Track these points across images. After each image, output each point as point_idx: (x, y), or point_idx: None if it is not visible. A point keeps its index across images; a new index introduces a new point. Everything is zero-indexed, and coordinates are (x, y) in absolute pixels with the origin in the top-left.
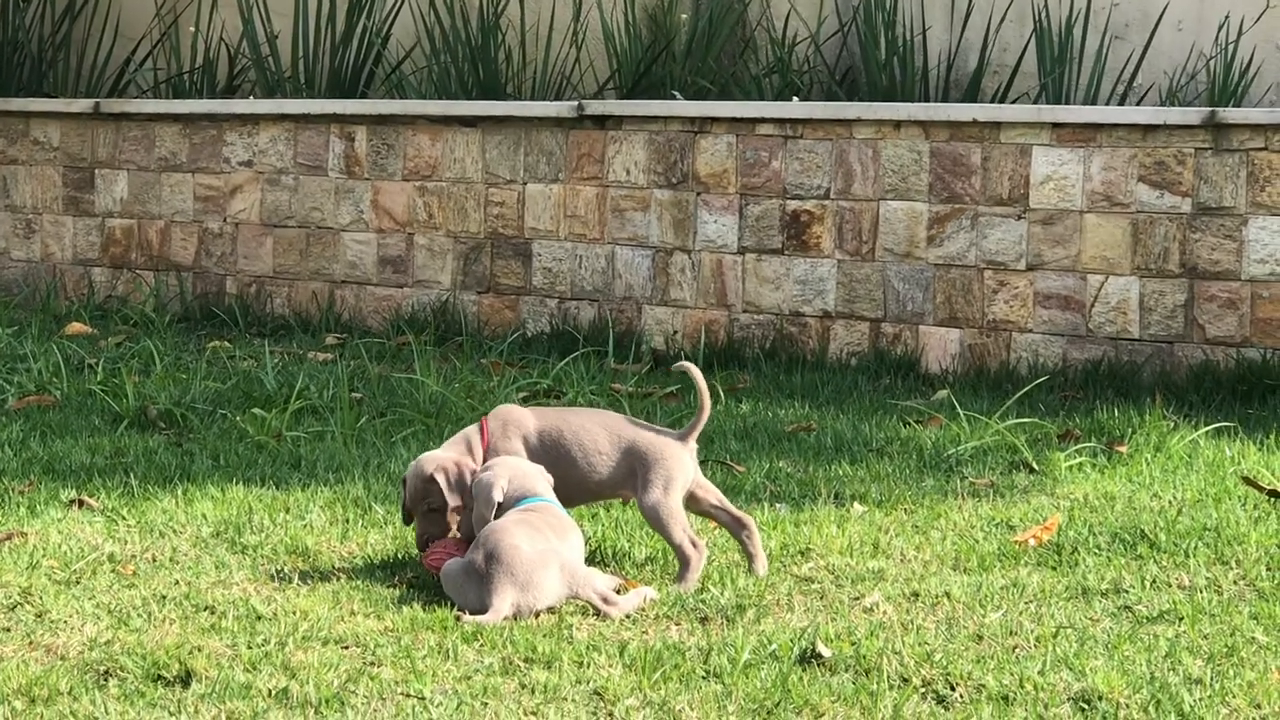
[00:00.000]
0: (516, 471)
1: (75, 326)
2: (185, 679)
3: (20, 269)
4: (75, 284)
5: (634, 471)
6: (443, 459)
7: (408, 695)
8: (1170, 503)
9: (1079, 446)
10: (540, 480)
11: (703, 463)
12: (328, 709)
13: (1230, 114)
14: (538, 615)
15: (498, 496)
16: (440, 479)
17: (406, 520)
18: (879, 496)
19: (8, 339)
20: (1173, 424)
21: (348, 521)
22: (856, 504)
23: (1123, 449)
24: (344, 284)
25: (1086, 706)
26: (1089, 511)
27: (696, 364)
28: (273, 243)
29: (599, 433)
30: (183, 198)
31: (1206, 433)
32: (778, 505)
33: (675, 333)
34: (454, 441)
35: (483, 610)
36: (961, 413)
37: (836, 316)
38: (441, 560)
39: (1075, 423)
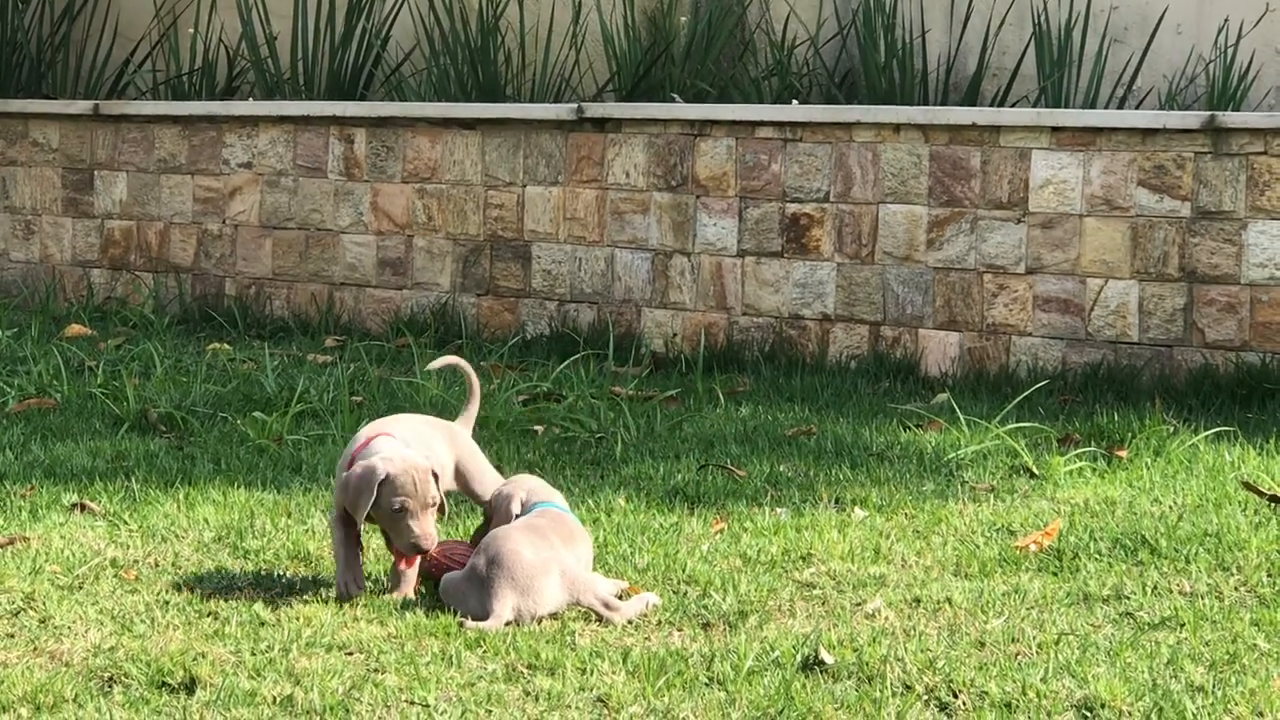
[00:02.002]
0: (534, 486)
1: (75, 328)
2: (190, 686)
3: (19, 270)
4: (74, 285)
5: None
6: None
7: (412, 703)
8: (1171, 508)
9: (1079, 451)
10: (557, 491)
11: (703, 467)
12: (332, 717)
13: (1229, 118)
14: (540, 621)
15: (515, 509)
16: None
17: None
18: (880, 501)
19: (7, 341)
20: (1172, 428)
21: None
22: (857, 509)
23: (1122, 453)
24: (343, 286)
25: (1089, 714)
26: (1089, 517)
27: (696, 367)
28: (272, 244)
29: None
30: (182, 199)
31: (1206, 437)
32: (778, 510)
33: (675, 335)
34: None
35: (484, 616)
36: (961, 417)
37: (836, 319)
38: (444, 564)
39: (1075, 427)
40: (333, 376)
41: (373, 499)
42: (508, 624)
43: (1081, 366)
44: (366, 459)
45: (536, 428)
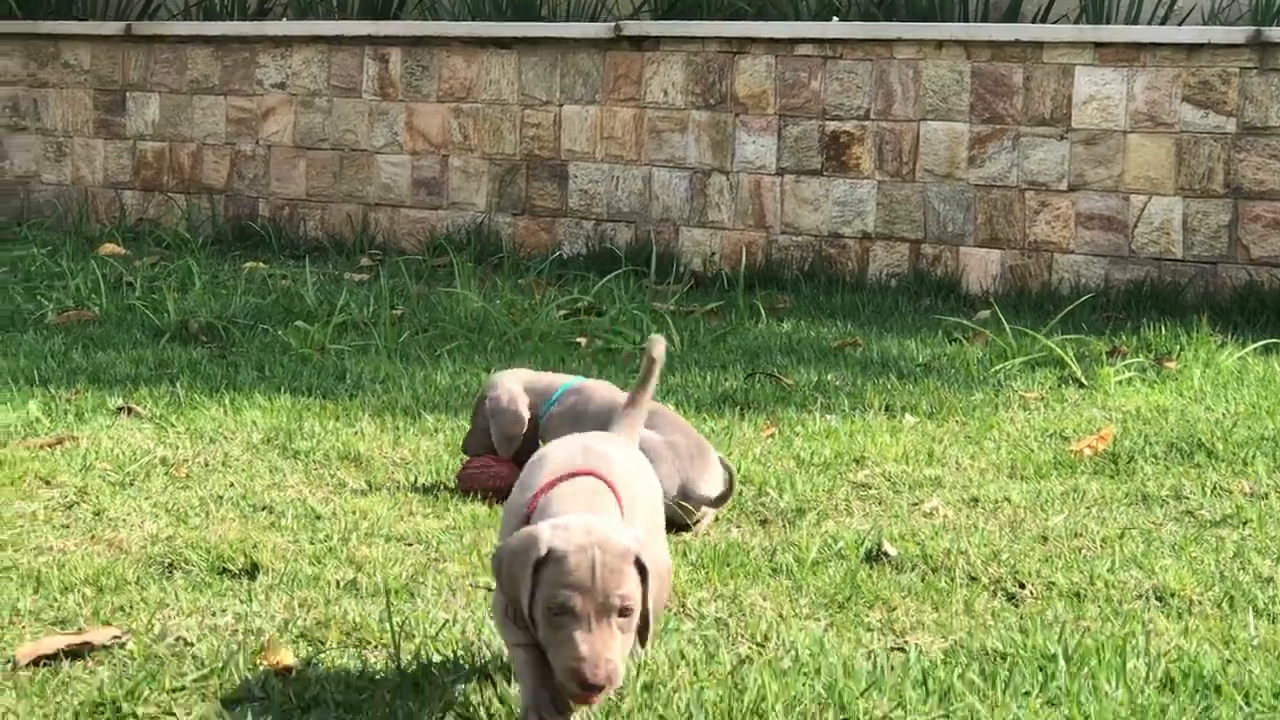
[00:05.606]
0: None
1: (108, 247)
2: (251, 571)
3: (51, 191)
4: (107, 207)
5: None
6: None
7: (476, 587)
8: (1225, 415)
9: (1127, 362)
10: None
11: (750, 374)
12: (398, 599)
13: (1275, 33)
14: None
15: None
16: None
17: None
18: (930, 408)
19: (43, 259)
20: (1220, 342)
21: (399, 429)
22: (908, 415)
23: (1171, 365)
24: (378, 206)
25: (1160, 603)
26: (1142, 423)
27: (736, 284)
28: (306, 165)
29: None
30: (215, 120)
31: (1254, 350)
32: (829, 416)
33: (713, 254)
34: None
35: None
36: (1008, 328)
37: (876, 238)
38: (478, 477)
39: (1121, 340)
40: (373, 291)
41: None
42: None
43: (1124, 284)
44: None
45: (580, 340)
